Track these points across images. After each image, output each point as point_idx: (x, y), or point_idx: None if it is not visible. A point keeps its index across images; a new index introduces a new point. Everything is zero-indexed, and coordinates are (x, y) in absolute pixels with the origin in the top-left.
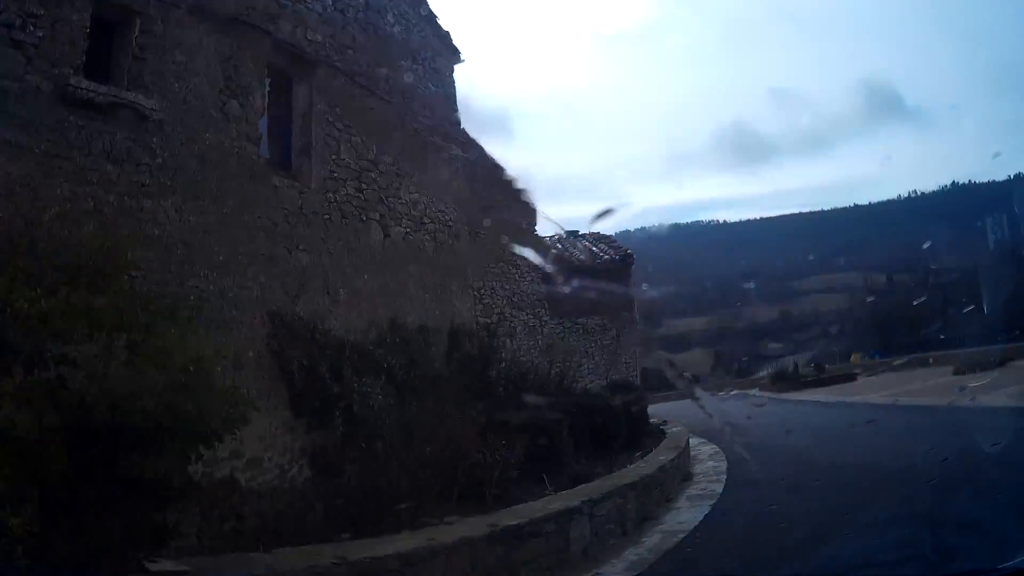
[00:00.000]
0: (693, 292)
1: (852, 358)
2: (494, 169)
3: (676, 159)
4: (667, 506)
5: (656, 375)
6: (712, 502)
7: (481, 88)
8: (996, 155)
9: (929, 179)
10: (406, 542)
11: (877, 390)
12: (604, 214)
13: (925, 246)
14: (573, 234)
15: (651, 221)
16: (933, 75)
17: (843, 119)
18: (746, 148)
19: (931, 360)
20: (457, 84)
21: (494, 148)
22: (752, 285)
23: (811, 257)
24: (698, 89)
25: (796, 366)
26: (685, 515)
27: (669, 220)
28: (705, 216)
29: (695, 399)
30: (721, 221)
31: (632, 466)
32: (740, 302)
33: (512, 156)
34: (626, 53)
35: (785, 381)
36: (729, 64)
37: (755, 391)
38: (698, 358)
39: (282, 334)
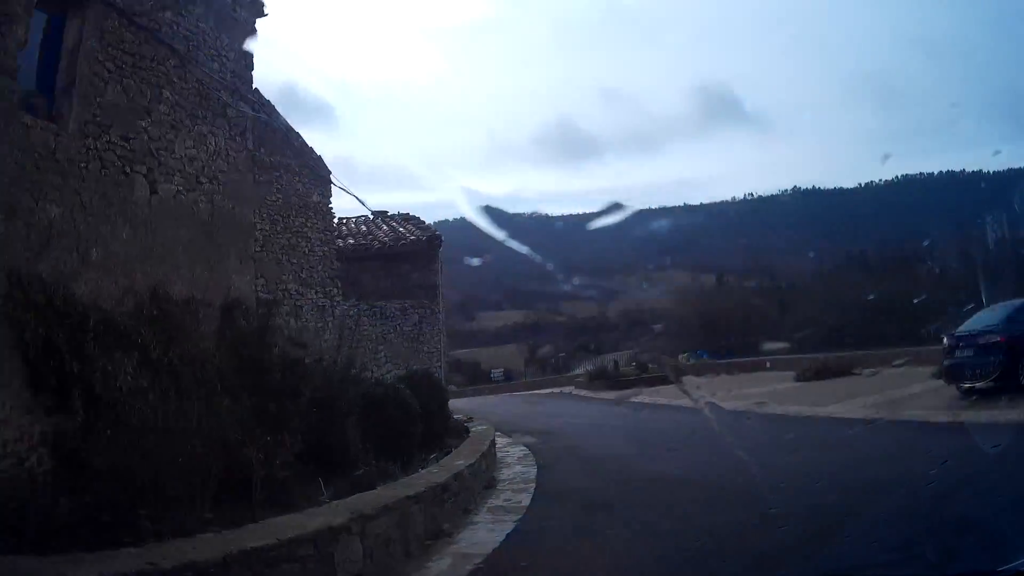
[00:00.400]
0: (515, 285)
1: (679, 358)
2: (287, 134)
3: (500, 152)
4: (464, 520)
5: (473, 367)
6: (517, 517)
7: (308, 76)
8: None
9: (769, 183)
10: (110, 565)
11: (706, 393)
12: (610, 210)
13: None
14: (382, 214)
15: (455, 214)
16: (775, 82)
17: (677, 121)
18: (572, 145)
19: (768, 364)
20: (281, 65)
21: (318, 135)
22: (576, 281)
23: (636, 254)
24: (526, 86)
25: (616, 364)
26: (484, 533)
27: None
28: (528, 209)
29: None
30: (545, 214)
31: (424, 471)
32: (562, 297)
33: (336, 143)
34: (457, 48)
35: (604, 379)
36: (560, 63)
37: (571, 389)
38: (513, 352)
39: (18, 296)
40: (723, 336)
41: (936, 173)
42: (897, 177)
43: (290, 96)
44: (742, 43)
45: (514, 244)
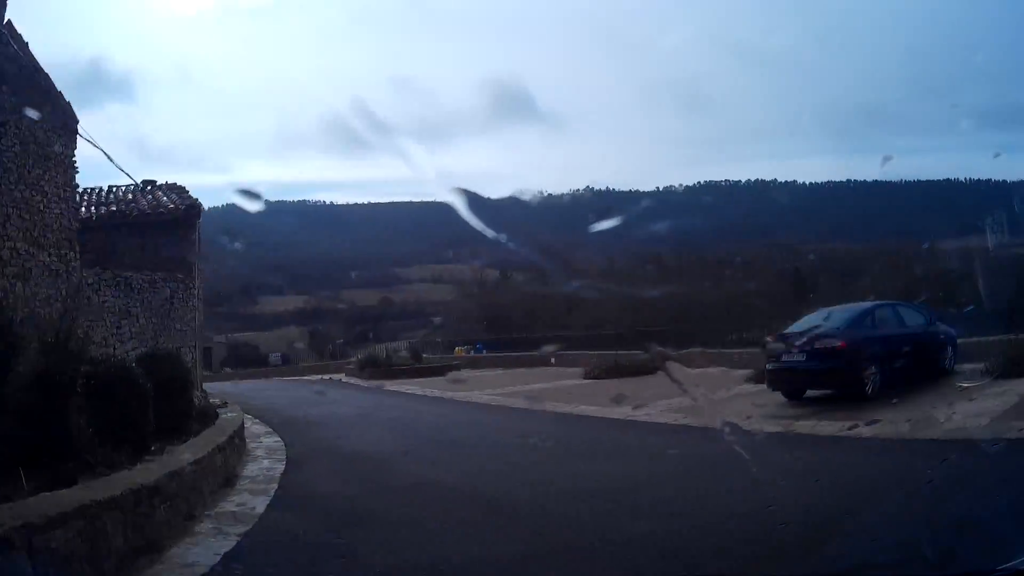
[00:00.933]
0: (297, 271)
1: (456, 351)
2: (35, 74)
3: (288, 138)
4: (185, 529)
5: (252, 351)
6: (244, 529)
7: (109, 50)
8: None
9: (564, 182)
10: None
11: (482, 387)
12: (604, 217)
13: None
14: (150, 183)
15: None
16: (572, 83)
17: (469, 114)
18: (359, 133)
19: (553, 360)
20: (85, 39)
21: (117, 110)
22: (355, 271)
23: (423, 246)
24: (315, 71)
25: (387, 353)
26: (202, 549)
27: (275, 197)
28: (313, 196)
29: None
30: (329, 202)
31: (139, 467)
32: (342, 285)
33: (134, 121)
34: (247, 28)
35: (376, 368)
36: (352, 49)
37: (342, 376)
38: (293, 337)
39: None
40: (505, 330)
41: (743, 181)
42: (699, 183)
43: (94, 70)
44: (538, 42)
45: (297, 229)
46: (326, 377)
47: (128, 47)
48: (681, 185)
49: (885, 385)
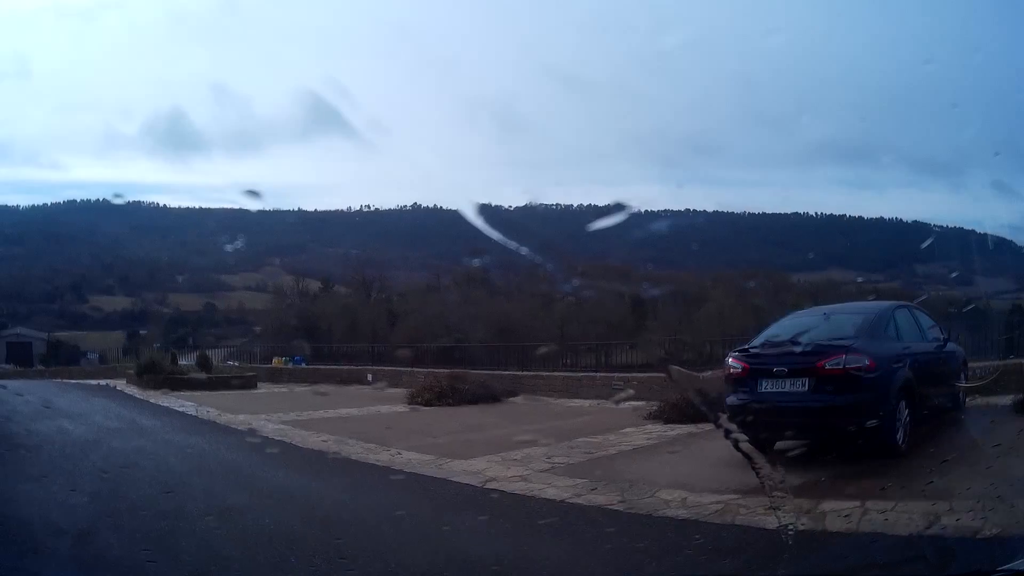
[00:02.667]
0: (127, 272)
1: (274, 361)
2: None
3: (113, 138)
4: None
5: (71, 350)
6: None
7: None
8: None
9: (384, 197)
10: None
11: (275, 408)
12: (612, 210)
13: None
14: None
15: (83, 195)
16: (391, 99)
17: (280, 124)
18: (181, 138)
19: (371, 377)
20: None
21: None
22: (182, 275)
23: (239, 251)
24: (136, 72)
25: (174, 356)
26: None
27: (101, 196)
28: (146, 198)
29: None
30: (161, 205)
31: None
32: (169, 288)
33: None
34: (80, 27)
35: (155, 375)
36: (171, 52)
37: (123, 382)
38: (120, 339)
39: None
40: (327, 342)
41: (575, 205)
42: (530, 204)
43: None
44: (354, 55)
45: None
46: (103, 383)
47: None
48: (511, 206)
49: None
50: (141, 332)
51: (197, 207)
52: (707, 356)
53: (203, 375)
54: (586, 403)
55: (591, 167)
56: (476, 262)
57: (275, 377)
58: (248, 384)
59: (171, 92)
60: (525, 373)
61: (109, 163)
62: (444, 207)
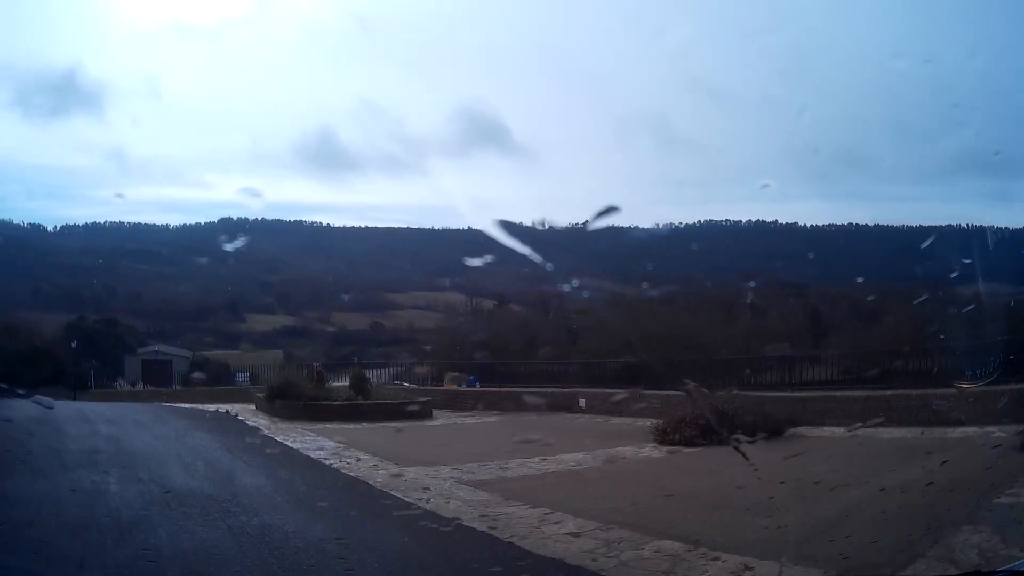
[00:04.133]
0: (287, 290)
1: (446, 382)
2: None
3: (262, 157)
4: None
5: (220, 368)
6: None
7: (80, 59)
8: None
9: (547, 215)
10: None
11: (460, 457)
12: (606, 212)
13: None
14: None
15: (240, 213)
16: (546, 117)
17: (435, 142)
18: (332, 157)
19: (583, 403)
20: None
21: (88, 121)
22: (347, 293)
23: (407, 269)
24: (276, 92)
25: (320, 375)
26: None
27: (258, 215)
28: (308, 217)
29: None
30: (326, 224)
31: None
32: (333, 307)
33: (109, 132)
34: (209, 46)
35: (293, 400)
36: (309, 71)
37: (250, 407)
38: (277, 357)
39: None
40: (501, 361)
41: (744, 221)
42: (699, 222)
43: (69, 80)
44: (501, 73)
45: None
46: (224, 409)
47: (99, 60)
48: (681, 223)
49: None
50: (299, 352)
51: (363, 226)
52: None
53: (357, 399)
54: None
55: (750, 183)
56: (645, 283)
57: (455, 403)
58: (421, 413)
59: (318, 111)
60: (807, 394)
61: (260, 182)
62: (617, 225)
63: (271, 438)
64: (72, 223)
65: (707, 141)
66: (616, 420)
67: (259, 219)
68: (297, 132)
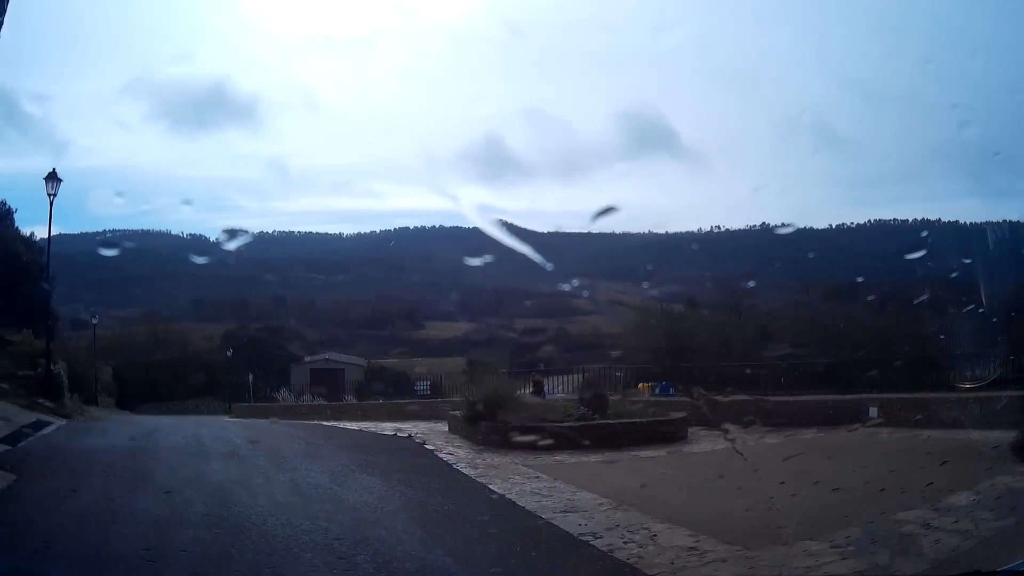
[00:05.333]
0: (468, 298)
1: (640, 387)
2: None
3: (432, 165)
4: None
5: (399, 377)
6: None
7: (236, 75)
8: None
9: (720, 218)
10: None
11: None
12: (605, 212)
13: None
14: None
15: (409, 222)
16: (708, 120)
17: (601, 147)
18: (501, 164)
19: (875, 411)
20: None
21: (244, 133)
22: (529, 299)
23: (595, 277)
24: (444, 100)
25: (538, 386)
26: None
27: (429, 223)
28: (466, 224)
29: None
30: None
31: None
32: (516, 313)
33: (264, 143)
34: (361, 58)
35: (499, 422)
36: (465, 79)
37: (441, 428)
38: (457, 365)
39: None
40: (694, 366)
41: (911, 220)
42: (869, 221)
43: (217, 93)
44: (662, 76)
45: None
46: (404, 430)
47: (249, 73)
48: (853, 222)
49: None
50: (484, 360)
51: (547, 232)
52: None
53: (596, 418)
54: None
55: (906, 182)
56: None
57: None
58: (675, 434)
59: (483, 119)
60: None
61: (430, 190)
62: (785, 224)
63: (487, 487)
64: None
65: (861, 141)
66: (934, 434)
67: (437, 226)
68: (463, 140)
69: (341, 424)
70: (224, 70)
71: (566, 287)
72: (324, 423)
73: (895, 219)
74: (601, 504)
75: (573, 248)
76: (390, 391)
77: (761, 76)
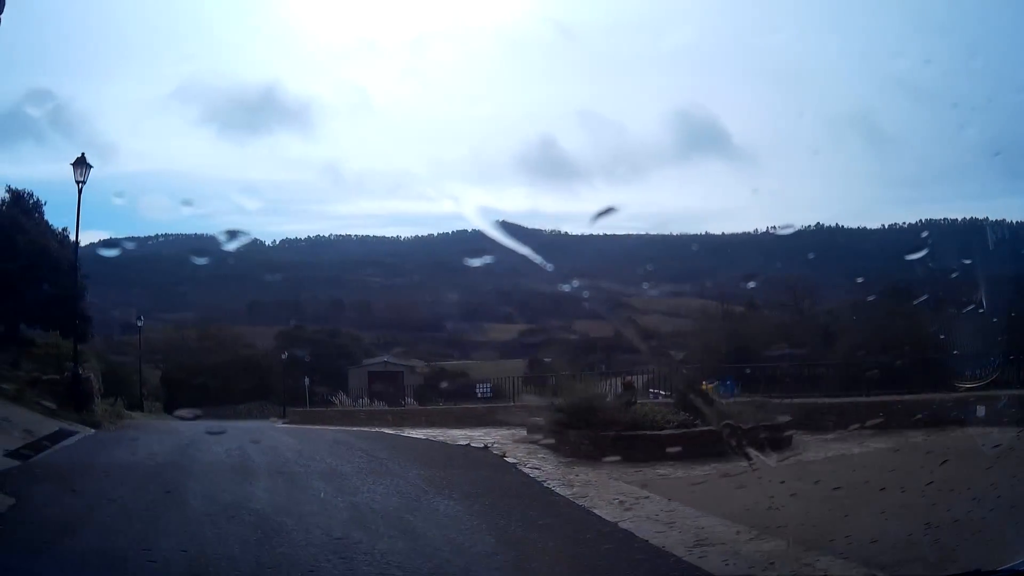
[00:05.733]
0: (526, 300)
1: (705, 386)
2: None
3: (485, 166)
4: None
5: (459, 380)
6: None
7: (288, 79)
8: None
9: (775, 218)
10: None
11: None
12: (605, 212)
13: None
14: None
15: (461, 226)
16: (758, 119)
17: (653, 149)
18: (557, 165)
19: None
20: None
21: (296, 137)
22: (587, 301)
23: (647, 276)
24: (497, 102)
25: (629, 389)
26: None
27: (492, 222)
28: (548, 226)
29: None
30: (563, 232)
31: None
32: (573, 315)
33: (317, 146)
34: (411, 62)
35: (596, 430)
36: (516, 81)
37: (518, 434)
38: (516, 368)
39: None
40: (753, 366)
41: (960, 220)
42: (921, 221)
43: (268, 96)
44: (712, 77)
45: (537, 259)
46: (475, 439)
47: (298, 78)
48: (905, 223)
49: None
50: (545, 360)
51: (601, 234)
52: None
53: (698, 424)
54: None
55: (957, 181)
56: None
57: (815, 421)
58: (780, 441)
59: (537, 121)
60: None
61: (486, 192)
62: (844, 226)
63: (591, 512)
64: (293, 237)
65: (910, 140)
66: None
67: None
68: (517, 142)
69: (405, 432)
70: (274, 74)
71: (621, 288)
72: (386, 430)
73: (945, 219)
74: (739, 533)
75: (630, 250)
76: (450, 394)
77: (809, 75)
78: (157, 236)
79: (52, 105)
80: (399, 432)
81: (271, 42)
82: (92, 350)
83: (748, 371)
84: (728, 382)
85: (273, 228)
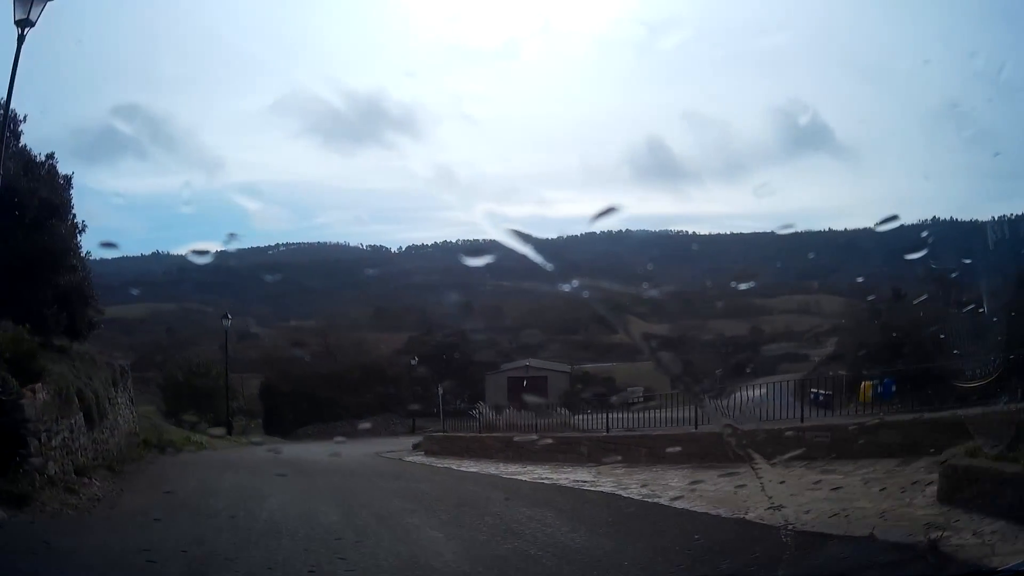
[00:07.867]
0: (657, 300)
1: (863, 386)
2: None
3: (592, 172)
4: None
5: (606, 383)
6: None
7: (391, 86)
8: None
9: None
10: None
11: None
12: (605, 212)
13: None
14: None
15: (572, 230)
16: (860, 115)
17: (760, 147)
18: (664, 167)
19: None
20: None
21: (407, 140)
22: (719, 300)
23: (776, 274)
24: (603, 107)
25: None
26: None
27: (589, 228)
28: (673, 227)
29: None
30: (691, 232)
31: None
32: (707, 315)
33: (425, 154)
34: (507, 69)
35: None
36: (612, 82)
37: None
38: (653, 369)
39: None
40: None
41: None
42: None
43: (375, 106)
44: (807, 72)
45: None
46: (745, 495)
47: (400, 87)
48: (1012, 214)
49: None
50: (689, 360)
51: (728, 233)
52: None
53: None
54: None
55: None
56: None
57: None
58: None
59: (643, 123)
60: None
61: (603, 195)
62: (959, 219)
63: None
64: (418, 244)
65: (1005, 132)
66: None
67: (623, 231)
68: (625, 145)
69: (612, 480)
70: (376, 83)
71: (743, 287)
72: (582, 477)
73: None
74: None
75: (770, 249)
76: (601, 400)
77: (905, 70)
78: (277, 246)
79: (150, 119)
80: (601, 480)
81: (370, 51)
82: (104, 354)
83: (907, 371)
84: (887, 381)
85: (400, 236)
